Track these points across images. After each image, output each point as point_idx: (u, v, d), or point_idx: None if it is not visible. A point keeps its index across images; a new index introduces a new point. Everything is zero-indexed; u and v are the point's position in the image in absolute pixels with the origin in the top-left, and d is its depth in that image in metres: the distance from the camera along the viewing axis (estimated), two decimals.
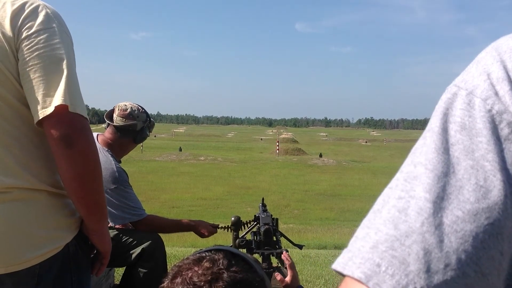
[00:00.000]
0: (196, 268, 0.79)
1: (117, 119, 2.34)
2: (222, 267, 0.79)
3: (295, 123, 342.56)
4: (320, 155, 35.76)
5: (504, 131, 0.37)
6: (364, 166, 29.87)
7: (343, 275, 0.36)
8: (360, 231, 0.38)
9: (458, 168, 0.36)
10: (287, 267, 1.63)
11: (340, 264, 0.36)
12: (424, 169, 0.37)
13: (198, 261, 0.80)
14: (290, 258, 1.68)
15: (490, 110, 0.37)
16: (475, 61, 0.42)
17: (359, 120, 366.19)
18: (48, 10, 1.16)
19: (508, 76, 0.38)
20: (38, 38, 1.11)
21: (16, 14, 1.12)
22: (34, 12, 1.14)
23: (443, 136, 0.38)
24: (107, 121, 2.38)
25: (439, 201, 0.34)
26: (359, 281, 0.34)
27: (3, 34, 1.10)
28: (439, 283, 0.32)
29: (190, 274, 0.78)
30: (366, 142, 73.41)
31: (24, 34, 1.11)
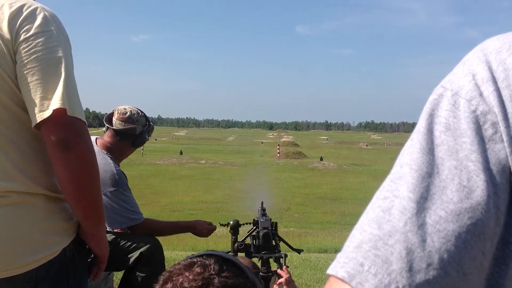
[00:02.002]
0: (187, 274, 0.77)
1: (116, 123, 2.34)
2: (213, 272, 0.77)
3: (296, 126, 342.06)
4: (321, 159, 35.72)
5: (488, 131, 0.37)
6: (365, 169, 29.82)
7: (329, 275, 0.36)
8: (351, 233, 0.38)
9: (442, 168, 0.36)
10: (283, 282, 1.67)
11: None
12: (409, 169, 0.37)
13: (189, 266, 0.79)
14: (288, 272, 1.72)
15: (474, 111, 0.37)
16: (462, 62, 0.42)
17: (360, 124, 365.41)
18: (46, 13, 1.16)
19: (493, 76, 0.38)
20: (36, 41, 1.11)
21: (14, 17, 1.12)
22: (32, 15, 1.14)
23: (428, 137, 0.38)
24: (107, 125, 2.37)
25: (423, 201, 0.35)
26: (342, 280, 0.34)
27: (1, 36, 1.10)
28: (421, 282, 0.32)
29: (180, 280, 0.77)
30: (367, 145, 73.31)
31: (22, 37, 1.10)
